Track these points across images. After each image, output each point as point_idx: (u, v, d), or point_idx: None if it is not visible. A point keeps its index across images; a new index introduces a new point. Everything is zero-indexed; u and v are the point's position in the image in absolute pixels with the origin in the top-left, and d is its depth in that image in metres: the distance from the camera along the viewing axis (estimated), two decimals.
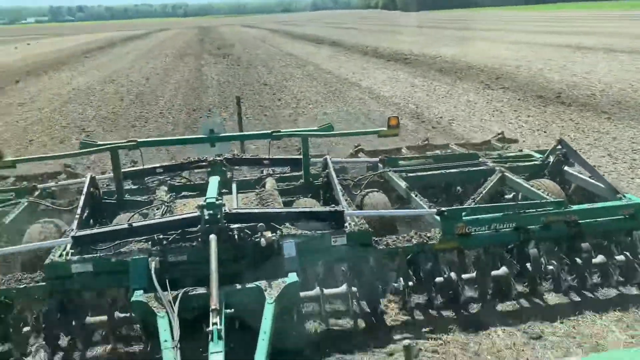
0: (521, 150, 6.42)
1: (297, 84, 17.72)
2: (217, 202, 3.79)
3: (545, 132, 9.93)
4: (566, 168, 5.50)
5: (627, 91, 13.19)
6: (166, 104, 15.15)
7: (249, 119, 11.81)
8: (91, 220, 4.86)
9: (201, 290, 3.47)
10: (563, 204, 4.38)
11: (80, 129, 12.21)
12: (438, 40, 31.80)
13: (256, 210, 4.31)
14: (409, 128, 10.60)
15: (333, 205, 4.58)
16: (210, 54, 30.18)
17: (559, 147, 5.56)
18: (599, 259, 4.23)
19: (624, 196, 4.57)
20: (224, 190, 4.95)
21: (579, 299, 4.16)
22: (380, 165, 5.79)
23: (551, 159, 5.60)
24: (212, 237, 3.62)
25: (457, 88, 15.36)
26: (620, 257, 4.25)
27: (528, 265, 4.18)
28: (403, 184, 5.13)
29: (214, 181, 4.52)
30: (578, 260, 4.19)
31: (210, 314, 3.06)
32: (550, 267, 4.17)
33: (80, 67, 26.11)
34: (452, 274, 4.03)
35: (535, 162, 5.78)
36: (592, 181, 5.10)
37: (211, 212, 3.75)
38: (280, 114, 12.83)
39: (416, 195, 4.85)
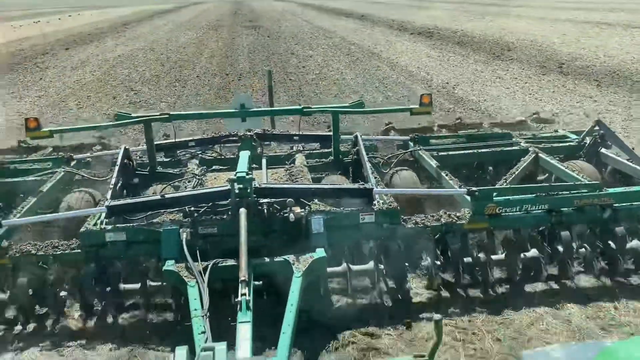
0: (556, 131, 6.25)
1: (322, 53, 18.67)
2: (247, 177, 3.81)
3: (535, 95, 11.11)
4: (603, 150, 5.35)
5: (627, 63, 14.10)
6: (202, 68, 16.46)
7: (274, 82, 12.25)
8: (124, 191, 4.96)
9: (231, 261, 3.53)
10: (598, 186, 4.27)
11: (129, 88, 13.52)
12: (465, 15, 31.84)
13: (285, 186, 4.33)
14: (417, 92, 11.26)
15: (362, 182, 4.57)
16: (242, 26, 30.52)
17: (596, 128, 5.40)
18: (634, 243, 4.13)
19: None
20: (254, 166, 4.97)
21: (611, 284, 4.09)
22: (411, 143, 5.72)
23: (587, 140, 5.46)
24: (242, 211, 3.66)
25: (469, 59, 16.35)
26: None
27: (559, 247, 4.11)
28: (434, 162, 5.07)
29: (244, 156, 4.56)
30: (612, 244, 4.10)
31: (239, 285, 3.12)
32: (582, 250, 4.10)
33: (121, 37, 26.95)
34: (481, 255, 4.00)
35: (571, 144, 5.63)
36: (630, 164, 4.95)
37: (241, 186, 3.78)
38: (303, 79, 14.01)
39: (447, 175, 4.79)
